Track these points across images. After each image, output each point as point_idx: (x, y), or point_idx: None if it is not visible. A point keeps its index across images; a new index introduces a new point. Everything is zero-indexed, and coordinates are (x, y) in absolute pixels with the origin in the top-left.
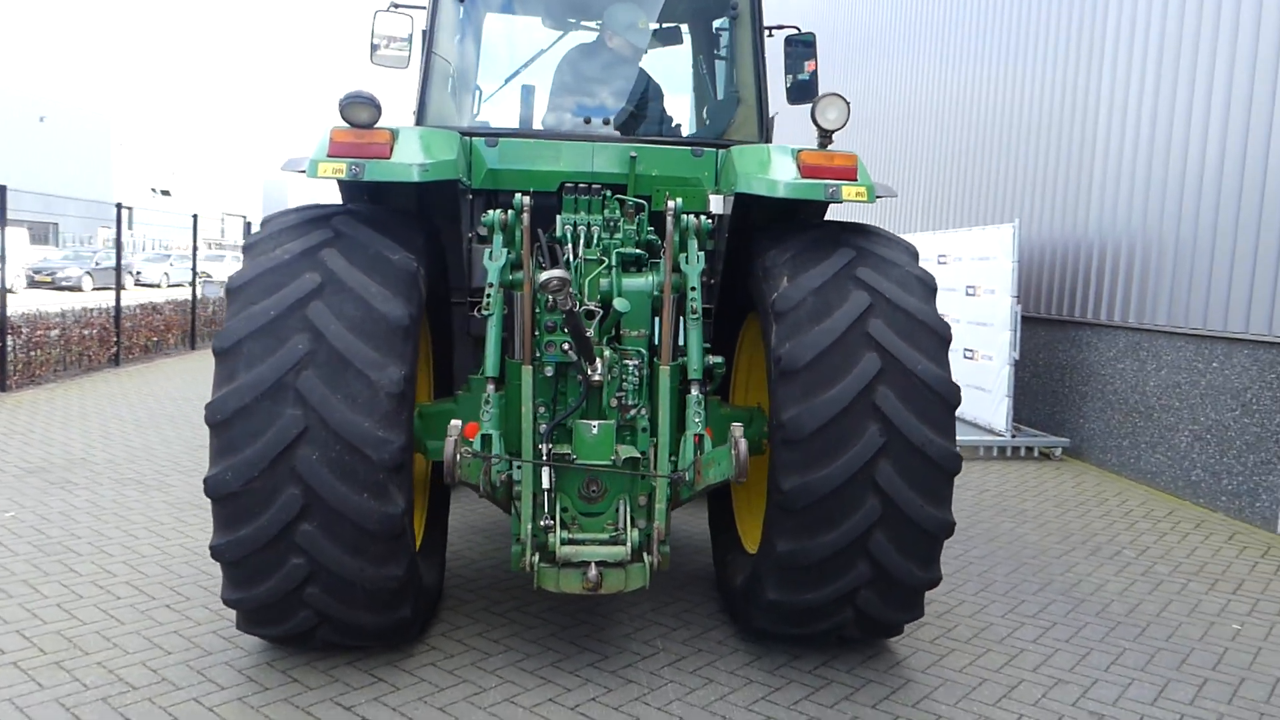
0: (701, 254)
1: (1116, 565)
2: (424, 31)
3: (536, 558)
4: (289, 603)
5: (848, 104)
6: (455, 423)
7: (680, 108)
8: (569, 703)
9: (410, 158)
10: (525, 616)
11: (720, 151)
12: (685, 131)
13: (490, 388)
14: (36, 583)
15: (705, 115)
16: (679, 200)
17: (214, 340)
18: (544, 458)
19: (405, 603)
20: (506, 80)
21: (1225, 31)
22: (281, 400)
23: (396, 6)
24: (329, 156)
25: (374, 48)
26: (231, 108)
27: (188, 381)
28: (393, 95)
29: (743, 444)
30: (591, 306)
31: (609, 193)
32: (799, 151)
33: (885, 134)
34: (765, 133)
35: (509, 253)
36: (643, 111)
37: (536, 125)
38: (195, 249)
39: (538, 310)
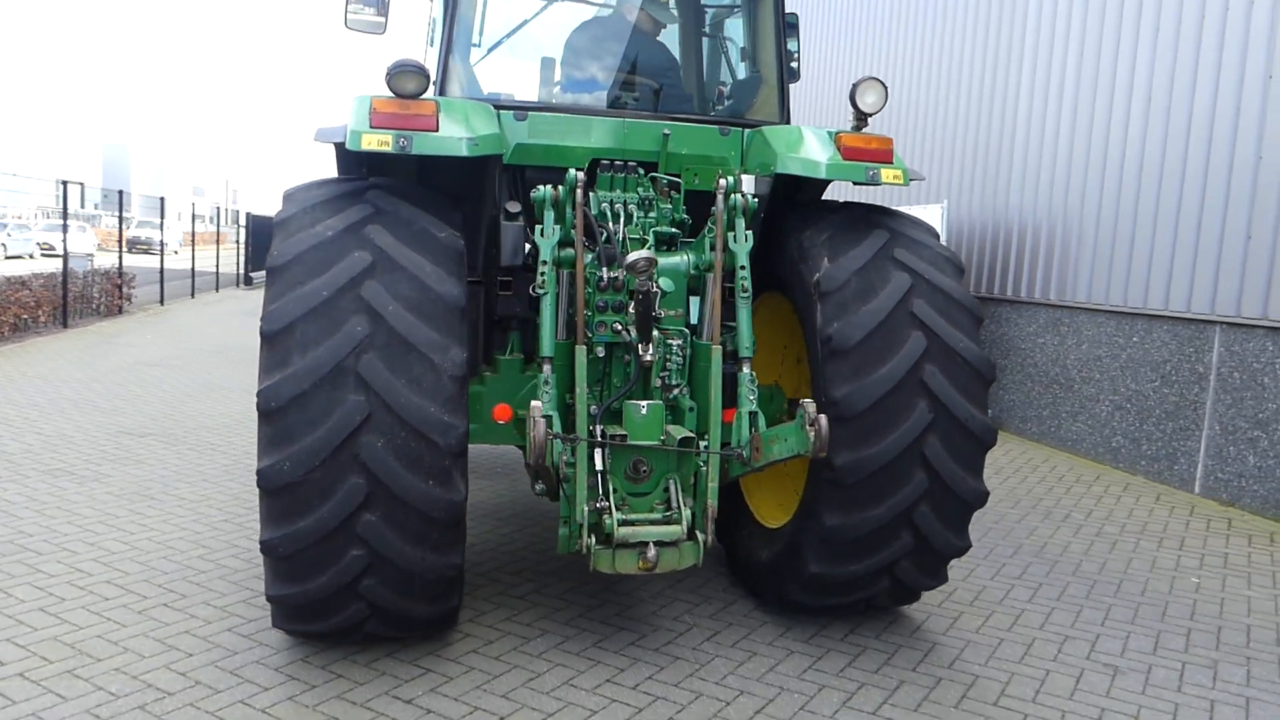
0: (749, 233)
1: (1071, 527)
2: (444, 4)
3: (592, 540)
4: (343, 596)
5: (886, 88)
6: (536, 404)
7: (704, 86)
8: (629, 682)
9: (458, 131)
10: (547, 599)
11: (746, 131)
12: (709, 110)
13: (546, 369)
14: (5, 585)
15: (729, 94)
16: (730, 178)
17: (262, 323)
18: (599, 439)
19: (456, 592)
20: (529, 53)
21: (1147, 21)
22: (342, 386)
23: None
24: (373, 128)
25: (348, 10)
26: (66, 69)
27: (73, 363)
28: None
29: (823, 420)
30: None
31: (642, 170)
32: (836, 134)
33: (818, 116)
34: (786, 113)
35: (560, 230)
36: (669, 88)
37: (563, 99)
38: (65, 218)
39: (589, 290)
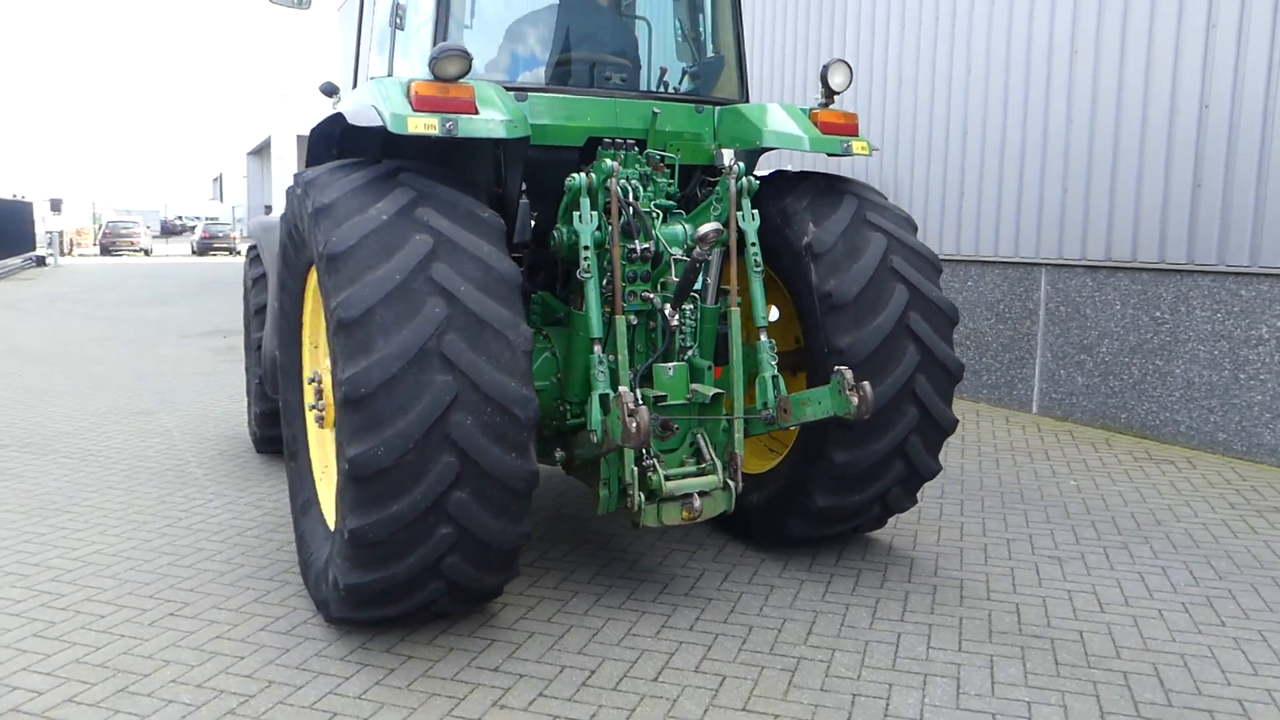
0: (755, 211)
1: (956, 451)
2: None
3: (642, 497)
4: (425, 576)
5: (851, 69)
6: (625, 390)
7: (676, 66)
8: (683, 624)
9: (495, 114)
10: (556, 564)
11: (717, 108)
12: (683, 89)
13: (598, 349)
14: None
15: (698, 74)
16: (740, 164)
17: (339, 309)
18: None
19: (517, 561)
20: (515, 35)
21: None
22: (429, 367)
23: None
24: (416, 111)
25: None
26: None
27: None
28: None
29: (866, 385)
30: (678, 255)
31: (638, 148)
32: (810, 111)
33: None
34: (745, 91)
35: (597, 215)
36: (649, 69)
37: (555, 81)
38: None
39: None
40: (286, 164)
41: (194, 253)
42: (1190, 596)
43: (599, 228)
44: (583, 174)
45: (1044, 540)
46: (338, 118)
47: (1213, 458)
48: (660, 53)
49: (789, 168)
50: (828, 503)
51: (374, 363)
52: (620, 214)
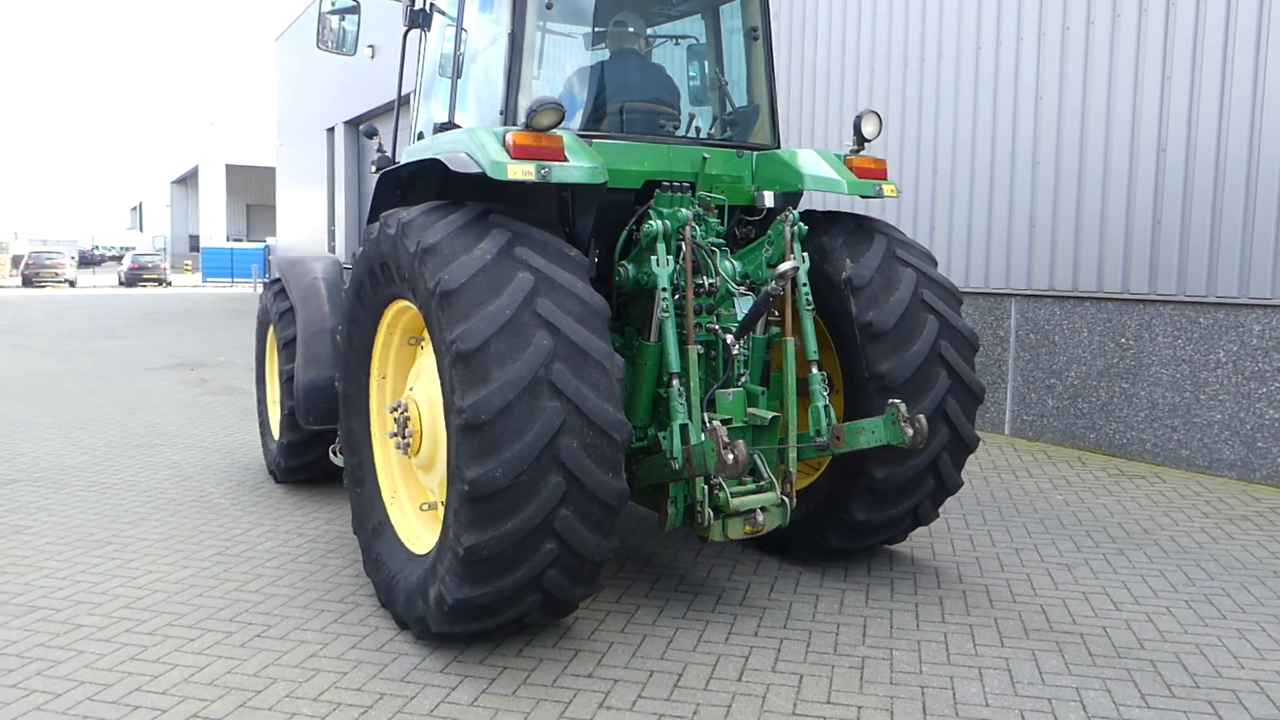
0: (805, 254)
1: None
2: (510, 34)
3: (710, 513)
4: (527, 589)
5: (880, 119)
6: (718, 424)
7: (718, 114)
8: (748, 631)
9: (582, 160)
10: (611, 580)
11: (755, 153)
12: (723, 135)
13: (677, 384)
14: (54, 642)
15: (736, 121)
16: (795, 211)
17: (458, 342)
18: (710, 425)
19: (600, 574)
20: (574, 83)
21: (953, 33)
22: (540, 395)
23: None
24: (514, 159)
25: (321, 31)
26: None
27: None
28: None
29: (922, 419)
30: (742, 290)
31: (690, 191)
32: (844, 156)
33: None
34: (776, 137)
35: (673, 259)
36: (696, 116)
37: (611, 128)
38: None
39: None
40: (215, 193)
41: (121, 284)
42: (1190, 595)
43: (674, 271)
44: (658, 221)
45: (1048, 549)
46: (424, 163)
47: (1178, 472)
48: (703, 101)
49: (811, 207)
50: (866, 516)
51: (493, 391)
52: (692, 256)
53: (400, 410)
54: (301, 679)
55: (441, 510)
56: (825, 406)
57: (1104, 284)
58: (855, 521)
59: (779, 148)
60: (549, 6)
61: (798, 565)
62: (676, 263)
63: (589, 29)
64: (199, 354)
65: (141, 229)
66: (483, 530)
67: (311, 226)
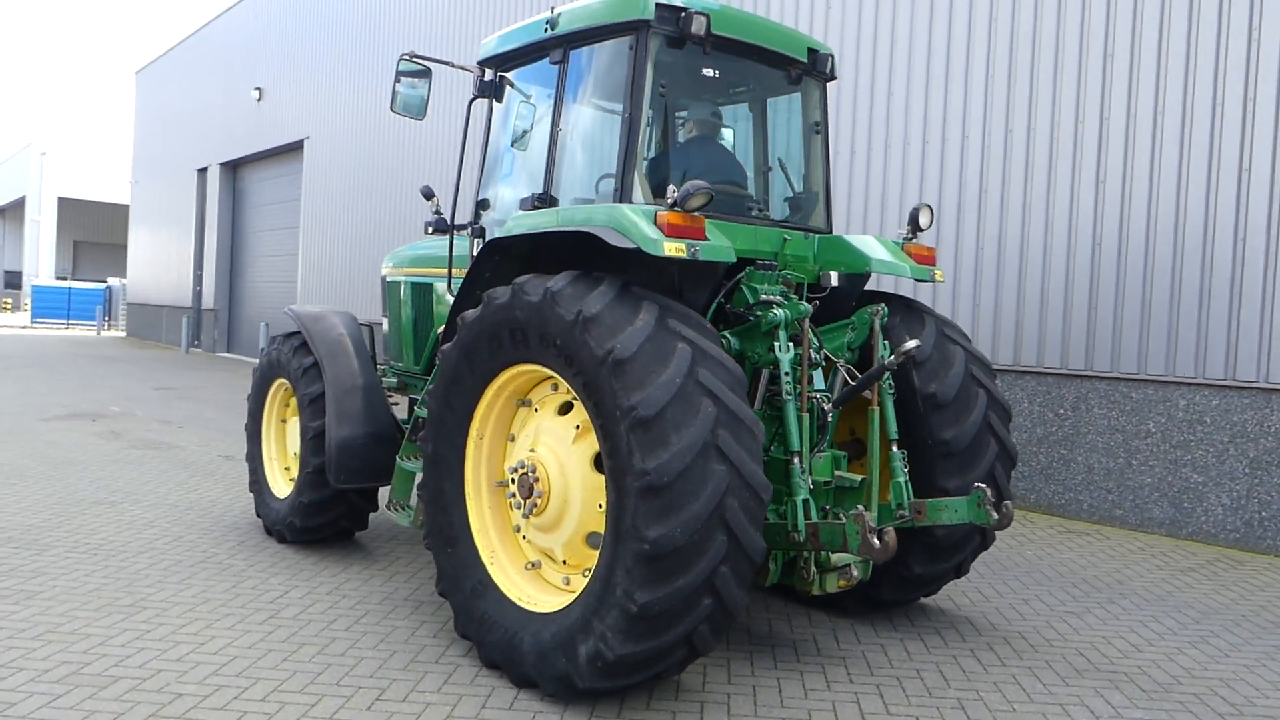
0: (886, 343)
1: None
2: (625, 116)
3: (815, 571)
4: (679, 644)
5: (933, 211)
6: (864, 511)
7: (787, 199)
8: (842, 679)
9: (719, 241)
10: None
11: (816, 237)
12: (789, 218)
13: (798, 461)
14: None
15: (799, 205)
16: (884, 306)
17: (641, 409)
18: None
19: None
20: (676, 166)
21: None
22: (710, 458)
23: (414, 57)
24: (668, 237)
25: (395, 95)
26: None
27: None
28: None
29: (1009, 504)
30: (842, 363)
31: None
32: (900, 244)
33: None
34: (830, 222)
35: (793, 345)
36: (773, 200)
37: (711, 209)
38: None
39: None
40: (45, 226)
41: None
42: (1189, 637)
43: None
44: (780, 309)
45: (1049, 599)
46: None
47: (1114, 530)
48: (774, 186)
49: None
50: (922, 570)
51: (673, 454)
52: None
53: (526, 471)
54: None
55: (550, 569)
56: (905, 482)
57: (1044, 360)
58: (912, 575)
59: (831, 232)
60: (663, 93)
61: (846, 617)
62: (795, 349)
63: (681, 112)
64: (89, 404)
65: None
66: (656, 587)
67: (170, 269)
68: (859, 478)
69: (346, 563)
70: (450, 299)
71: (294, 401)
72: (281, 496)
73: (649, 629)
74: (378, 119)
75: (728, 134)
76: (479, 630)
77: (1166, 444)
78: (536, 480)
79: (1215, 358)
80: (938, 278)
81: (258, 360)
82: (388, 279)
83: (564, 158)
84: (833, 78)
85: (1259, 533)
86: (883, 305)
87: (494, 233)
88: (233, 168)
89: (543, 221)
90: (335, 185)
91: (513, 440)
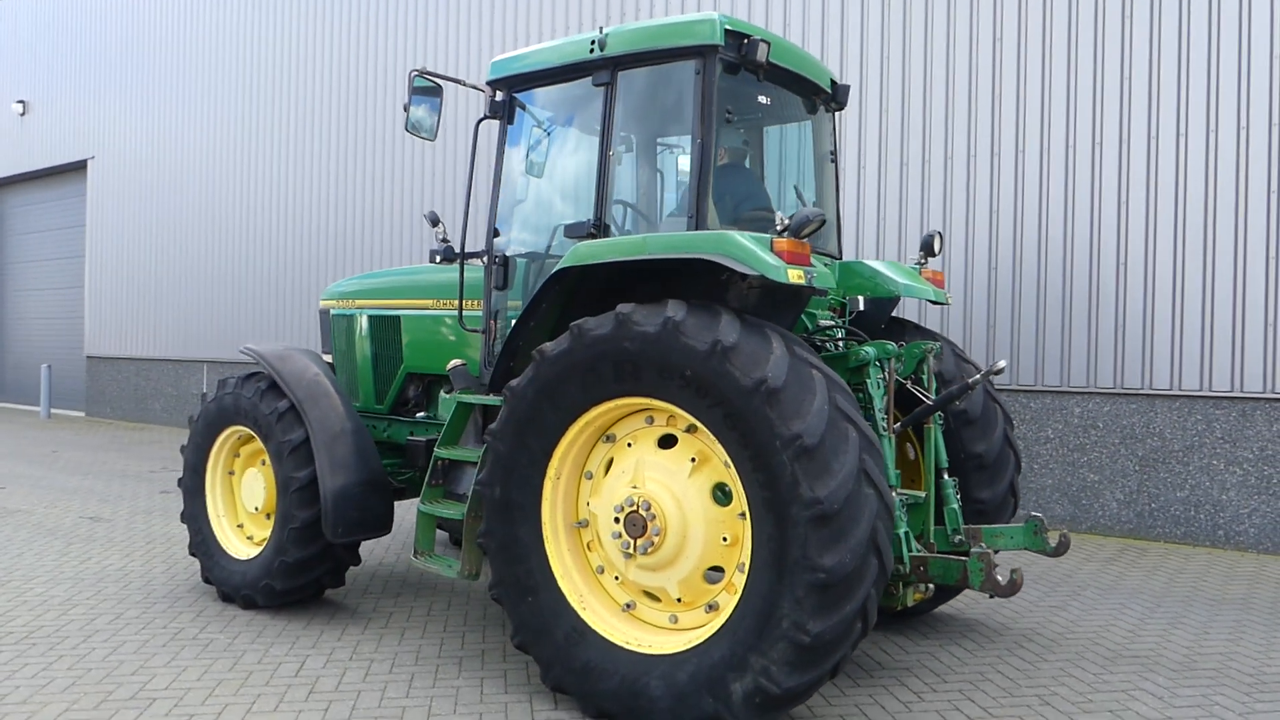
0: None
1: None
2: (699, 142)
3: (902, 586)
4: (830, 672)
5: (943, 238)
6: (987, 549)
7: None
8: (919, 687)
9: (821, 267)
10: None
11: (835, 262)
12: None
13: (894, 494)
14: None
15: (821, 231)
16: (937, 344)
17: (806, 437)
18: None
19: None
20: (721, 192)
21: None
22: (863, 483)
23: (425, 74)
24: (788, 264)
25: (409, 116)
26: None
27: None
28: None
29: (1067, 534)
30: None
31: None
32: (918, 269)
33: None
34: (840, 249)
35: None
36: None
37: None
38: None
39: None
40: None
41: None
42: (1166, 616)
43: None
44: (869, 347)
45: (1028, 593)
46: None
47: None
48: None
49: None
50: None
51: (839, 482)
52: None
53: (637, 509)
54: None
55: (647, 608)
56: (958, 509)
57: None
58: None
59: (841, 257)
60: (729, 119)
61: (871, 641)
62: (883, 389)
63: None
64: None
65: None
66: (828, 616)
67: None
68: (920, 494)
69: (334, 621)
70: (465, 331)
71: (245, 451)
72: (241, 557)
73: (816, 659)
74: (180, 139)
75: (751, 159)
76: (582, 681)
77: (1064, 448)
78: (653, 518)
79: (1105, 369)
80: (948, 300)
81: (199, 408)
82: (333, 312)
83: (615, 184)
84: (843, 107)
85: (1149, 523)
86: (938, 344)
87: (545, 263)
88: None
89: (631, 249)
90: (130, 211)
91: (589, 478)
